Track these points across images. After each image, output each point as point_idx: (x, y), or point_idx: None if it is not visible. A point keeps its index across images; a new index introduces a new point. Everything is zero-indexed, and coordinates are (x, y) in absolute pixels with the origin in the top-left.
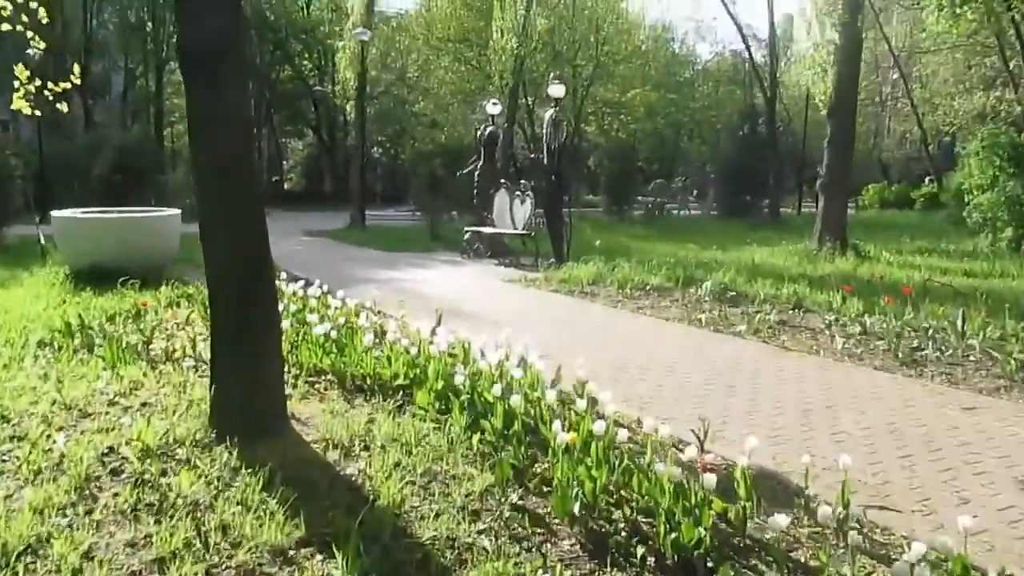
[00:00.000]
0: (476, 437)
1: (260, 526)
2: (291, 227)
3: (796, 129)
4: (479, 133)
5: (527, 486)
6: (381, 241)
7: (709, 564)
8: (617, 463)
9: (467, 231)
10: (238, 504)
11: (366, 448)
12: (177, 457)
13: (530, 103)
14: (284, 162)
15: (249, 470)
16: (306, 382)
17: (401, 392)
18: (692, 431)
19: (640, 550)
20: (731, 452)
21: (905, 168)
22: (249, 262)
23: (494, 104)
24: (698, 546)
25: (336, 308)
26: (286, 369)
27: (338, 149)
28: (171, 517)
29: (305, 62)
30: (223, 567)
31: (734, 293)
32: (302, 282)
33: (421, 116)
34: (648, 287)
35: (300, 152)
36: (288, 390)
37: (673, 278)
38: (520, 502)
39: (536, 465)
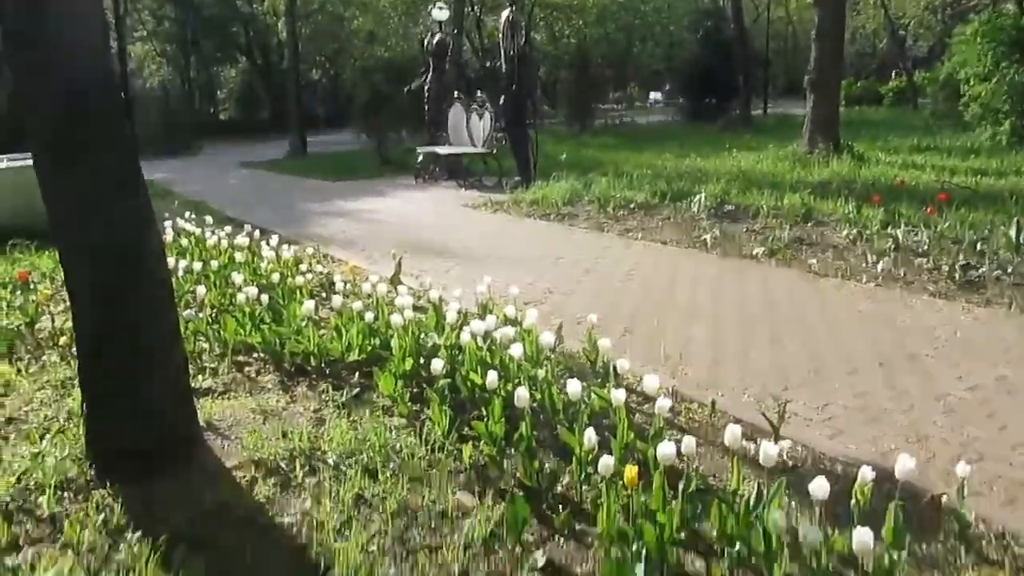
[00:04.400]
0: (468, 450)
1: None
2: (227, 160)
3: (756, 29)
4: (426, 43)
5: (548, 518)
6: (325, 169)
7: None
8: (684, 488)
9: (420, 152)
10: None
11: (312, 472)
12: (36, 515)
13: (477, 11)
14: (217, 92)
15: (137, 533)
16: (233, 364)
17: (357, 373)
18: (762, 413)
19: None
20: (813, 436)
21: (859, 63)
22: (118, 228)
23: (440, 8)
24: None
25: (269, 260)
26: (207, 349)
27: (273, 74)
28: None
29: None
30: None
31: (732, 207)
32: (228, 228)
33: (359, 32)
34: (632, 205)
35: (233, 80)
36: (207, 381)
37: (659, 193)
38: (542, 561)
39: (559, 484)
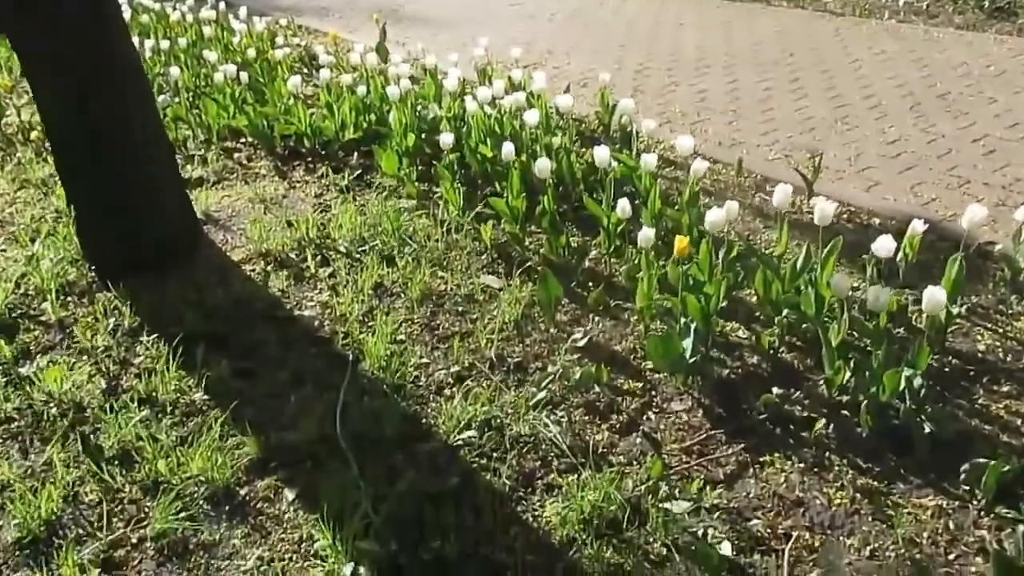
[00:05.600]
0: (488, 229)
1: (186, 447)
2: None
3: None
4: None
5: (579, 296)
6: None
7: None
8: (725, 256)
9: None
10: (142, 405)
11: (325, 262)
12: (42, 320)
13: None
14: None
15: (153, 335)
16: (221, 151)
17: (355, 153)
18: (795, 169)
19: (817, 424)
20: (848, 190)
21: None
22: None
23: None
24: (916, 401)
25: (242, 35)
26: (190, 136)
27: None
28: (39, 439)
29: None
30: (128, 543)
31: None
32: (190, 1)
33: None
34: None
35: None
36: (196, 171)
37: None
38: (583, 340)
39: (587, 259)
